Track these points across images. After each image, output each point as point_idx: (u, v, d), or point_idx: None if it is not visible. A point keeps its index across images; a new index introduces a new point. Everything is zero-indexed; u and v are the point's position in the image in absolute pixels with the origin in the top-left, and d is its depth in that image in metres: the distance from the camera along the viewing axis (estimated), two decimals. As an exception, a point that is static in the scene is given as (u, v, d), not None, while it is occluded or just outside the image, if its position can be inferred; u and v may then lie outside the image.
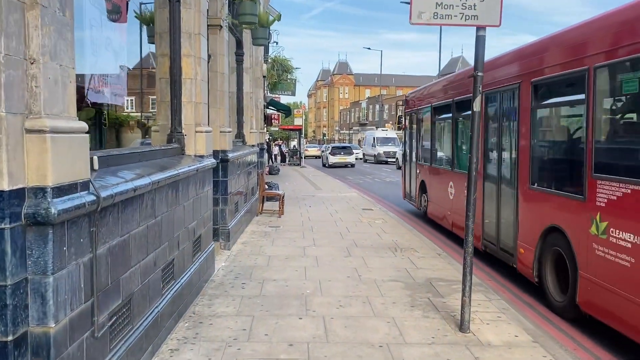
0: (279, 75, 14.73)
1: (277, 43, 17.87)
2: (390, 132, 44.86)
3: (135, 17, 6.25)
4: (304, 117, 41.24)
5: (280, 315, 5.31)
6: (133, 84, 6.50)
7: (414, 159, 13.16)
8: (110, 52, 4.67)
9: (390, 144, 42.11)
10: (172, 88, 6.04)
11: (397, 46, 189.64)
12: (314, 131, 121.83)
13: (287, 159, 41.27)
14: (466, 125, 9.21)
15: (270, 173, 27.07)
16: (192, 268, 5.73)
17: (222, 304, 5.64)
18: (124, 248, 3.68)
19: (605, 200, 5.00)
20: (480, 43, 4.85)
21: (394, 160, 37.10)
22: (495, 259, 7.85)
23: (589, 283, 5.28)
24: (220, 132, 8.05)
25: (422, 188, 12.08)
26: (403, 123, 14.48)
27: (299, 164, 37.94)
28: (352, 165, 36.47)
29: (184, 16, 6.08)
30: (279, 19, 14.42)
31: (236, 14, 8.03)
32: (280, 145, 46.07)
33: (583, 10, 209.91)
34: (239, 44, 11.21)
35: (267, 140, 38.86)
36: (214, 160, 6.77)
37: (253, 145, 11.90)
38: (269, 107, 27.46)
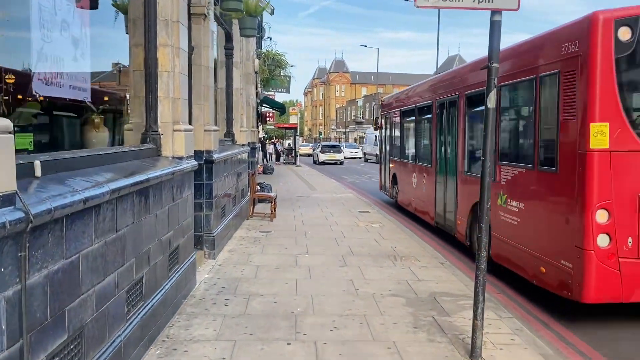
0: (271, 70, 13.88)
1: (270, 38, 17.02)
2: None
3: (112, 4, 5.62)
4: (299, 115, 40.54)
5: (266, 339, 4.67)
6: (127, 82, 5.85)
7: (387, 155, 14.91)
8: (67, 38, 4.02)
9: None
10: (147, 82, 5.40)
11: (394, 45, 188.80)
12: (310, 129, 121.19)
13: (282, 158, 40.64)
14: (426, 126, 11.12)
15: (264, 172, 26.42)
16: (168, 284, 5.09)
17: (201, 325, 5.00)
18: (71, 272, 3.03)
19: (505, 180, 6.98)
20: (495, 29, 4.22)
21: None
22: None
23: (497, 240, 7.14)
24: (205, 130, 7.39)
25: (394, 180, 14.01)
26: (379, 124, 15.98)
27: (294, 163, 37.28)
28: (341, 163, 38.18)
29: (160, 1, 5.43)
30: (271, 12, 13.77)
31: (221, 0, 7.38)
32: (275, 144, 45.43)
33: (579, 9, 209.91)
34: (228, 37, 10.55)
35: (262, 139, 38.22)
36: (196, 162, 6.13)
37: (243, 145, 11.25)
38: (263, 105, 26.78)
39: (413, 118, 12.03)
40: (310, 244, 8.76)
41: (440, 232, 10.15)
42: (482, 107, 8.05)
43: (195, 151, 7.26)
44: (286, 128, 44.04)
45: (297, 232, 9.79)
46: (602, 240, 5.16)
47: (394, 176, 13.93)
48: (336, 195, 16.70)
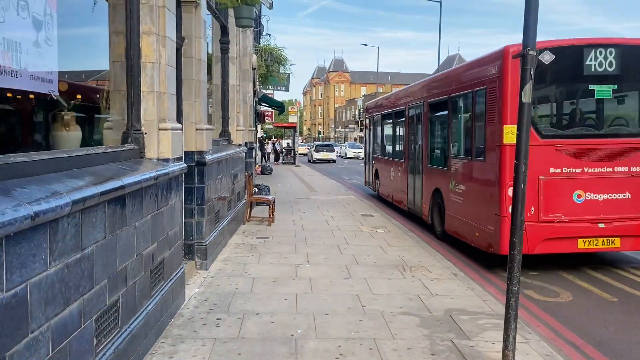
0: (268, 66, 13.05)
1: (269, 35, 16.14)
2: None
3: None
4: (298, 115, 39.93)
5: (262, 370, 4.04)
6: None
7: (371, 153, 16.69)
8: (27, 18, 3.39)
9: None
10: (129, 74, 4.79)
11: (393, 44, 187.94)
12: (309, 129, 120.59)
13: (280, 158, 40.01)
14: (400, 128, 12.99)
15: (262, 173, 25.80)
16: (151, 304, 4.46)
17: (188, 351, 4.37)
18: (14, 307, 2.40)
19: (454, 169, 8.78)
20: (531, 9, 3.59)
21: None
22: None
23: (449, 216, 8.98)
24: (197, 129, 6.77)
25: (376, 174, 15.80)
26: (364, 126, 18.06)
27: (293, 163, 36.65)
28: (334, 161, 40.49)
29: (144, -17, 4.80)
30: (270, 7, 13.12)
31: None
32: (274, 144, 44.83)
33: (577, 9, 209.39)
34: (224, 30, 9.93)
35: (260, 138, 37.58)
36: (184, 165, 5.50)
37: (240, 145, 10.61)
38: (262, 104, 26.11)
39: (391, 121, 14.06)
40: (311, 252, 8.13)
41: (441, 238, 9.56)
42: (440, 112, 9.92)
43: (185, 152, 6.65)
44: (285, 127, 43.40)
45: (297, 239, 9.16)
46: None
47: (376, 171, 15.82)
48: (337, 197, 16.08)
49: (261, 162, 34.33)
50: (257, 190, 13.33)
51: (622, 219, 7.18)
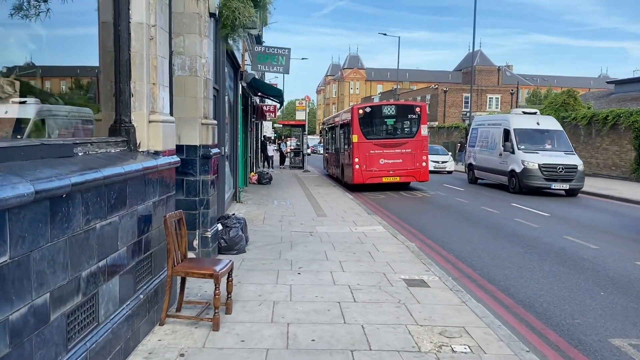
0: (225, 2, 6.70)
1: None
2: (547, 120, 20.51)
3: None
4: (307, 111, 34.32)
5: None
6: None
7: (324, 149, 30.10)
8: None
9: (547, 144, 19.08)
10: None
11: (408, 44, 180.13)
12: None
13: (287, 161, 34.51)
14: (334, 135, 24.56)
15: (259, 182, 20.30)
16: None
17: None
18: None
19: (344, 153, 21.33)
20: None
21: (564, 186, 17.81)
22: None
23: (345, 175, 21.03)
24: None
25: (327, 162, 27.63)
26: (322, 133, 35.08)
27: (302, 167, 31.11)
28: (309, 154, 53.01)
29: None
30: None
31: None
32: (280, 144, 39.37)
33: (594, 9, 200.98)
34: None
35: (263, 139, 32.12)
36: None
37: (157, 153, 5.06)
38: (258, 94, 20.52)
39: (330, 132, 26.16)
40: None
41: None
42: (343, 129, 22.56)
43: None
44: (292, 125, 37.78)
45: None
46: (357, 166, 18.69)
47: (327, 160, 27.48)
48: (356, 228, 10.48)
49: (262, 166, 28.87)
50: (220, 227, 7.75)
51: (399, 169, 18.64)
